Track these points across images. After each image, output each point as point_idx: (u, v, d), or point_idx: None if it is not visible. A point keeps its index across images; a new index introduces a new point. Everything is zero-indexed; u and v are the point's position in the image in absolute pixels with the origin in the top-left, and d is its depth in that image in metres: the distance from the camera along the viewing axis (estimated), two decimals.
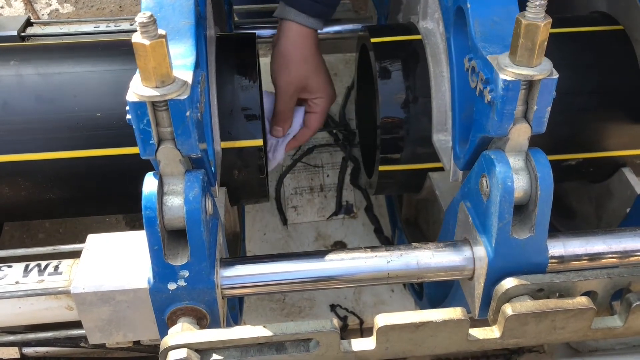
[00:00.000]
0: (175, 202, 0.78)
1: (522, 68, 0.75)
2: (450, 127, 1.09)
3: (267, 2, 1.79)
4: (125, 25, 1.59)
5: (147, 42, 0.68)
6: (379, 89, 1.15)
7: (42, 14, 2.06)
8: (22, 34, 1.54)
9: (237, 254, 1.43)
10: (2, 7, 2.06)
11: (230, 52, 1.14)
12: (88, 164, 1.07)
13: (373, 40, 1.18)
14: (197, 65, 0.82)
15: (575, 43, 1.18)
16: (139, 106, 0.72)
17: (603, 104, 1.16)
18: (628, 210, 1.16)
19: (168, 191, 0.78)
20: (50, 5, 2.06)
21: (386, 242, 1.74)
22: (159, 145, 0.76)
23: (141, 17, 0.68)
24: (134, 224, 1.76)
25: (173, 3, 0.85)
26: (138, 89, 0.72)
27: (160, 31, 0.70)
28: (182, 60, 0.80)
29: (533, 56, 0.74)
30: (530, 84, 0.77)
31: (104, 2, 2.09)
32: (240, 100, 1.11)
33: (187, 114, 0.73)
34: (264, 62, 1.93)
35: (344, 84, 1.93)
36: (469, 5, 0.87)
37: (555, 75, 0.76)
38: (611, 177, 1.25)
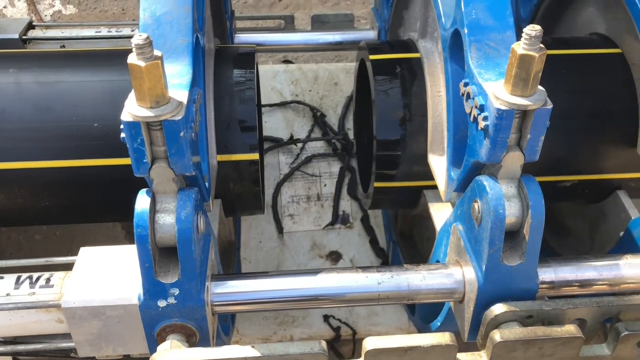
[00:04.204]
0: (167, 220, 0.78)
1: (517, 98, 0.75)
2: (446, 147, 1.09)
3: None
4: (126, 31, 1.60)
5: (142, 63, 0.69)
6: (376, 106, 1.16)
7: (45, 15, 2.06)
8: (24, 37, 1.54)
9: (231, 263, 1.43)
10: (5, 7, 2.06)
11: (228, 66, 1.14)
12: (84, 173, 1.08)
13: (372, 57, 1.18)
14: (194, 84, 0.82)
15: (574, 65, 1.18)
16: (133, 126, 0.72)
17: (599, 127, 1.16)
18: (621, 234, 1.16)
19: (160, 209, 0.79)
20: (54, 6, 2.06)
21: (381, 253, 1.74)
22: (152, 163, 0.76)
23: (137, 39, 0.68)
24: (130, 229, 1.77)
25: (171, 21, 0.85)
26: (133, 109, 0.72)
27: (156, 52, 0.70)
28: (178, 78, 0.81)
29: (527, 86, 0.75)
30: (524, 113, 0.77)
31: (107, 4, 2.09)
32: (237, 114, 1.11)
33: (181, 134, 0.73)
34: (263, 69, 1.94)
35: (344, 93, 1.94)
36: (465, 31, 0.87)
37: (550, 106, 0.76)
38: (606, 199, 1.25)
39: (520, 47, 0.73)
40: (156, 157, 0.76)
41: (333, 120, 1.91)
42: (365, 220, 1.79)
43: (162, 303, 0.80)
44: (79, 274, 0.85)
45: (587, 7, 1.30)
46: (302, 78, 1.94)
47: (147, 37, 0.69)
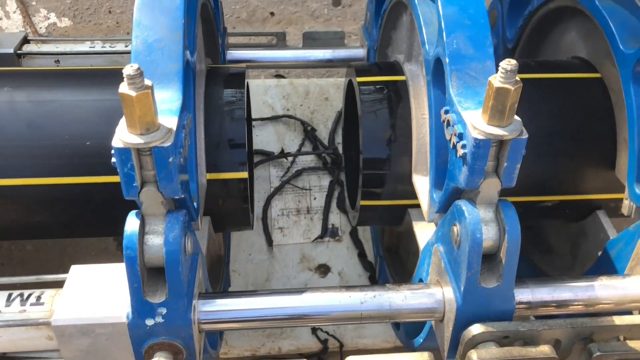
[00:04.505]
0: (155, 241, 0.81)
1: (494, 128, 0.79)
2: (429, 169, 1.12)
3: None
4: (120, 46, 1.63)
5: (133, 93, 0.71)
6: (362, 127, 1.19)
7: (40, 27, 2.09)
8: (19, 51, 1.57)
9: (221, 277, 1.46)
10: (0, 20, 2.08)
11: (219, 86, 1.17)
12: (77, 190, 1.10)
13: (359, 79, 1.22)
14: (183, 109, 0.85)
15: (556, 89, 1.22)
16: (124, 152, 0.75)
17: (579, 150, 1.19)
18: (600, 253, 1.19)
19: (149, 231, 0.81)
20: (49, 18, 2.09)
21: (369, 266, 1.77)
22: (142, 187, 0.79)
23: (128, 70, 0.71)
24: (121, 240, 1.79)
25: (162, 47, 0.88)
26: (123, 136, 0.75)
27: (147, 82, 0.73)
28: (168, 104, 0.83)
29: (504, 117, 0.78)
30: (501, 142, 0.80)
31: (101, 17, 2.12)
32: (227, 134, 1.14)
33: (170, 160, 0.76)
34: (255, 84, 1.97)
35: (334, 108, 1.97)
36: (447, 60, 0.91)
37: (525, 136, 0.79)
38: (586, 219, 1.28)
39: (497, 80, 0.76)
40: (146, 181, 0.79)
41: (323, 134, 1.93)
42: (353, 234, 1.82)
43: (149, 322, 0.82)
44: (69, 292, 0.87)
45: (569, 32, 1.34)
46: (294, 93, 1.97)
47: (138, 68, 0.71)
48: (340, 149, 1.89)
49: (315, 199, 1.87)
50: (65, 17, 2.09)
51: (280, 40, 1.78)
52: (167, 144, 0.75)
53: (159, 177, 0.78)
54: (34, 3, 2.08)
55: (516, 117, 0.80)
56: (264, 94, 1.96)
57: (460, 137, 0.83)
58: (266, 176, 1.88)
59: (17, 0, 2.06)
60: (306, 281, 1.78)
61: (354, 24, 2.22)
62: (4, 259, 1.75)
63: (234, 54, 1.67)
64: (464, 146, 0.82)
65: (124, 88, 0.72)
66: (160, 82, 0.85)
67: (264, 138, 1.92)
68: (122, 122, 0.76)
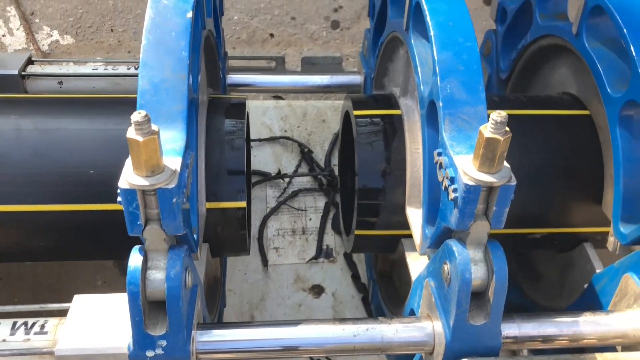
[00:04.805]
0: (157, 276, 0.84)
1: (484, 174, 0.82)
2: (422, 203, 1.16)
3: None
4: (122, 69, 1.66)
5: (140, 138, 0.75)
6: (358, 159, 1.22)
7: (43, 45, 2.12)
8: (23, 72, 1.60)
9: (217, 298, 1.49)
10: (4, 36, 2.11)
11: (220, 117, 1.21)
12: (79, 217, 1.13)
13: (356, 112, 1.25)
14: (187, 148, 0.88)
15: (546, 126, 1.26)
16: (129, 192, 0.78)
17: (568, 185, 1.24)
18: (586, 285, 1.23)
19: (152, 266, 0.84)
20: (51, 36, 2.12)
21: (363, 289, 1.80)
22: (145, 224, 0.82)
23: (136, 116, 0.74)
24: (121, 262, 1.82)
25: (167, 88, 0.91)
26: (129, 177, 0.78)
27: (154, 127, 0.76)
28: (172, 144, 0.87)
29: (494, 165, 0.81)
30: (490, 188, 0.84)
31: (103, 36, 2.15)
32: (227, 164, 1.17)
33: (174, 200, 0.79)
34: (254, 105, 2.01)
35: (331, 130, 2.01)
36: (440, 104, 0.94)
37: (513, 182, 0.83)
38: (574, 250, 1.32)
39: (487, 131, 0.80)
40: (149, 219, 0.82)
41: (320, 156, 1.97)
42: (348, 255, 1.85)
43: (150, 353, 0.85)
44: (72, 322, 0.90)
45: (560, 68, 1.39)
46: (291, 114, 2.01)
47: (146, 115, 0.75)
48: (336, 170, 1.93)
49: (310, 219, 1.90)
50: (67, 35, 2.12)
51: (279, 65, 1.81)
52: (172, 185, 0.78)
53: (162, 215, 0.81)
54: (37, 20, 2.11)
55: (505, 163, 0.84)
56: (263, 115, 2.00)
57: (452, 180, 0.86)
58: (263, 196, 1.92)
59: (20, 18, 2.09)
60: (300, 301, 1.81)
61: (352, 46, 2.26)
62: (3, 273, 1.78)
63: (234, 78, 1.70)
64: (455, 190, 0.85)
65: (131, 133, 0.75)
66: (165, 122, 0.89)
67: (262, 158, 1.95)
68: (128, 163, 0.79)
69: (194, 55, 1.01)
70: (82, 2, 2.14)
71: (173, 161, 0.82)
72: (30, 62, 1.64)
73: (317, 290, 1.83)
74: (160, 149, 0.77)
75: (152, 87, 0.91)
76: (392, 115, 1.24)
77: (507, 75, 1.58)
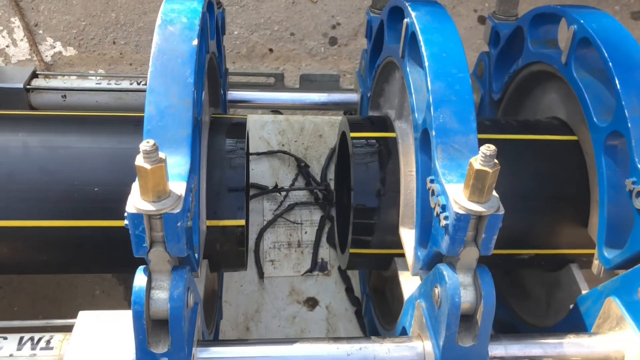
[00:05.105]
0: (161, 296, 0.88)
1: (473, 204, 0.87)
2: (415, 224, 1.20)
3: None
4: (125, 84, 1.70)
5: (148, 166, 0.79)
6: (353, 180, 1.26)
7: (46, 56, 2.15)
8: (28, 86, 1.64)
9: (214, 310, 1.52)
10: (7, 47, 2.15)
11: (221, 137, 1.25)
12: (83, 233, 1.17)
13: (352, 134, 1.30)
14: (191, 172, 0.92)
15: (535, 151, 1.31)
16: (136, 217, 0.82)
17: (555, 209, 1.28)
18: (571, 306, 1.27)
19: (155, 286, 0.88)
20: (54, 47, 2.15)
21: (356, 302, 1.84)
22: (150, 247, 0.86)
23: (145, 146, 0.78)
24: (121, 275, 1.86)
25: (173, 113, 0.95)
26: (136, 202, 0.82)
27: (161, 155, 0.80)
28: (177, 168, 0.91)
29: (483, 195, 0.86)
30: (479, 217, 0.88)
31: (105, 47, 2.19)
32: (227, 183, 1.21)
33: (178, 224, 0.83)
34: (253, 119, 2.05)
35: (328, 145, 2.05)
36: (433, 133, 0.99)
37: (501, 212, 0.87)
38: (560, 270, 1.37)
39: (477, 163, 0.84)
40: (154, 241, 0.86)
41: (316, 170, 2.01)
42: (342, 269, 1.89)
43: None
44: (77, 338, 0.94)
45: (550, 93, 1.44)
46: (289, 129, 2.05)
47: (154, 144, 0.79)
48: (331, 185, 1.97)
49: (306, 233, 1.94)
50: (70, 47, 2.16)
51: (278, 81, 1.86)
52: (177, 210, 0.82)
53: (167, 238, 0.85)
54: (40, 32, 2.15)
55: (494, 193, 0.88)
56: (261, 129, 2.04)
57: (444, 208, 0.91)
58: (260, 209, 1.95)
59: (24, 29, 2.13)
60: (295, 313, 1.85)
61: (349, 62, 2.31)
62: (3, 283, 1.81)
63: (234, 94, 1.75)
64: (446, 217, 0.89)
65: (139, 161, 0.79)
66: (170, 147, 0.93)
67: (259, 172, 1.99)
68: (135, 188, 0.83)
69: (199, 79, 1.05)
70: (85, 15, 2.18)
71: (178, 186, 0.86)
72: (35, 75, 1.67)
73: (312, 302, 1.86)
74: (167, 176, 0.81)
75: (159, 113, 0.95)
76: (387, 138, 1.28)
77: (500, 96, 1.63)
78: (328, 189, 1.97)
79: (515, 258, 1.34)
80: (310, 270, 1.89)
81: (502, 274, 1.55)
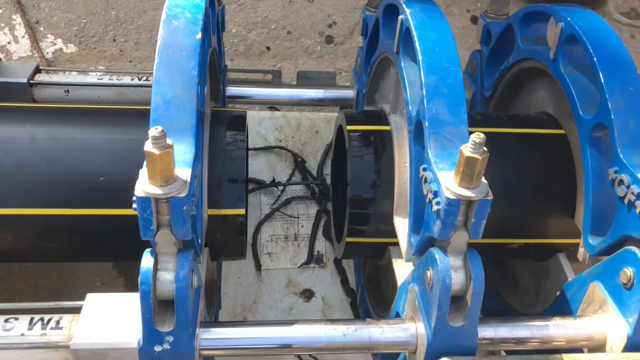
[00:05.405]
0: (166, 277, 0.92)
1: (464, 190, 0.91)
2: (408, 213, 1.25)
3: None
4: (126, 79, 1.74)
5: (157, 151, 0.83)
6: (350, 171, 1.31)
7: (47, 52, 2.19)
8: (31, 81, 1.67)
9: (213, 301, 1.56)
10: (9, 43, 2.18)
11: (222, 129, 1.29)
12: (88, 221, 1.21)
13: (349, 127, 1.34)
14: (196, 159, 0.97)
15: (524, 144, 1.36)
16: (144, 200, 0.86)
17: (543, 199, 1.33)
18: (558, 293, 1.32)
19: (161, 267, 0.93)
20: (55, 44, 2.19)
21: (351, 293, 1.88)
22: (157, 230, 0.90)
23: (153, 132, 0.83)
24: (119, 264, 1.89)
25: (178, 103, 1.00)
26: (145, 186, 0.86)
27: (168, 141, 0.85)
28: (182, 156, 0.95)
29: (472, 181, 0.91)
30: (469, 202, 0.93)
31: (106, 45, 2.23)
32: (228, 173, 1.26)
33: (184, 208, 0.88)
34: (250, 115, 2.09)
35: (324, 141, 2.09)
36: (426, 124, 1.04)
37: (490, 197, 0.92)
38: (549, 260, 1.42)
39: (467, 150, 0.89)
40: (161, 225, 0.90)
41: (312, 165, 2.06)
42: (337, 261, 1.94)
43: (158, 348, 0.93)
44: (85, 318, 0.98)
45: (539, 89, 1.49)
46: (286, 125, 2.10)
47: (162, 130, 0.83)
48: (327, 180, 2.02)
49: (302, 226, 1.99)
50: (71, 44, 2.20)
51: (276, 78, 1.90)
52: (183, 194, 0.87)
53: (173, 221, 0.89)
54: (42, 29, 2.19)
55: (483, 180, 0.93)
56: (259, 125, 2.09)
57: (436, 194, 0.96)
58: (257, 203, 2.00)
59: (25, 26, 2.17)
60: (291, 305, 1.89)
61: (344, 61, 2.36)
62: (5, 274, 1.84)
63: (233, 90, 1.79)
64: (438, 203, 0.94)
65: (148, 146, 0.83)
66: (175, 135, 0.97)
67: (257, 167, 2.04)
68: (143, 173, 0.87)
69: (201, 72, 1.09)
70: (85, 12, 2.22)
71: (184, 172, 0.91)
72: (37, 70, 1.71)
73: (308, 294, 1.91)
74: (174, 161, 0.86)
75: (165, 103, 1.00)
76: (382, 131, 1.33)
77: (491, 93, 1.68)
78: (324, 183, 2.02)
79: (505, 247, 1.39)
80: (307, 263, 1.93)
81: (492, 264, 1.60)
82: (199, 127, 1.03)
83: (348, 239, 1.35)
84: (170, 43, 1.05)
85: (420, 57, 1.10)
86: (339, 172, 1.68)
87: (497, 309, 1.58)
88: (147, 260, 0.91)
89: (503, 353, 1.34)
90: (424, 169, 1.03)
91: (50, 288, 1.86)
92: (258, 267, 1.91)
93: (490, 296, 1.55)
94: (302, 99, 1.82)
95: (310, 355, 1.80)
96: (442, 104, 1.05)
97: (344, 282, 1.91)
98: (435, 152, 1.01)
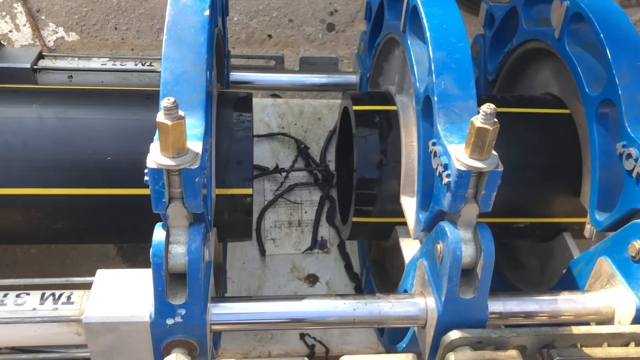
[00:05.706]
0: (178, 250, 0.92)
1: (474, 161, 0.92)
2: (416, 191, 1.25)
3: None
4: (130, 65, 1.73)
5: (169, 122, 0.83)
6: (356, 151, 1.31)
7: (49, 41, 2.18)
8: (35, 66, 1.67)
9: (219, 285, 1.57)
10: (10, 32, 2.18)
11: (229, 109, 1.29)
12: (96, 200, 1.21)
13: (355, 108, 1.35)
14: (206, 134, 0.97)
15: (529, 124, 1.36)
16: (157, 172, 0.86)
17: (549, 179, 1.34)
18: (564, 271, 1.33)
19: (173, 241, 0.93)
20: (57, 33, 2.19)
21: (355, 278, 1.89)
22: (169, 202, 0.90)
23: (166, 103, 0.83)
24: (121, 246, 1.89)
25: (188, 79, 1.00)
26: (157, 158, 0.86)
27: (180, 112, 0.85)
28: (193, 130, 0.95)
29: (483, 152, 0.91)
30: (480, 174, 0.93)
31: (107, 33, 2.23)
32: (235, 153, 1.26)
33: (196, 180, 0.88)
34: (254, 102, 2.09)
35: (327, 127, 2.10)
36: (435, 99, 1.04)
37: (500, 168, 0.93)
38: (554, 239, 1.42)
39: (478, 121, 0.90)
40: (172, 197, 0.91)
41: (315, 152, 2.06)
42: (341, 247, 1.94)
43: (170, 321, 0.94)
44: (96, 293, 0.98)
45: (543, 70, 1.49)
46: (289, 112, 2.10)
47: (174, 101, 0.83)
48: (331, 166, 2.02)
49: (306, 212, 1.99)
50: (72, 32, 2.19)
51: (278, 64, 1.90)
52: (195, 166, 0.87)
53: (185, 194, 0.89)
54: (43, 17, 2.18)
55: (494, 152, 0.93)
56: (261, 112, 2.09)
57: (446, 167, 0.96)
58: (261, 190, 2.00)
59: (27, 14, 2.16)
60: (296, 290, 1.89)
61: (346, 48, 2.36)
62: (9, 261, 1.84)
63: (236, 75, 1.79)
64: (448, 175, 0.95)
65: (160, 117, 0.84)
66: (185, 110, 0.97)
67: (260, 154, 2.03)
68: (155, 145, 0.87)
69: (209, 49, 1.09)
70: (86, 1, 2.21)
71: (195, 145, 0.91)
72: (41, 56, 1.70)
73: (312, 279, 1.91)
74: (185, 133, 0.86)
75: (174, 79, 1.00)
76: (388, 111, 1.33)
77: (494, 77, 1.68)
78: (327, 169, 2.02)
79: (510, 227, 1.39)
80: (311, 248, 1.93)
81: (498, 246, 1.61)
82: (208, 102, 1.03)
83: (355, 219, 1.35)
84: (179, 20, 1.06)
85: (428, 34, 1.11)
86: (344, 156, 1.68)
87: (502, 289, 1.59)
88: (158, 234, 0.91)
89: None
90: (434, 144, 1.03)
91: (54, 275, 1.85)
92: (262, 252, 1.91)
93: (495, 278, 1.56)
94: (305, 85, 1.82)
95: (315, 339, 1.80)
96: (450, 79, 1.06)
97: (348, 267, 1.92)
98: (444, 127, 1.02)
